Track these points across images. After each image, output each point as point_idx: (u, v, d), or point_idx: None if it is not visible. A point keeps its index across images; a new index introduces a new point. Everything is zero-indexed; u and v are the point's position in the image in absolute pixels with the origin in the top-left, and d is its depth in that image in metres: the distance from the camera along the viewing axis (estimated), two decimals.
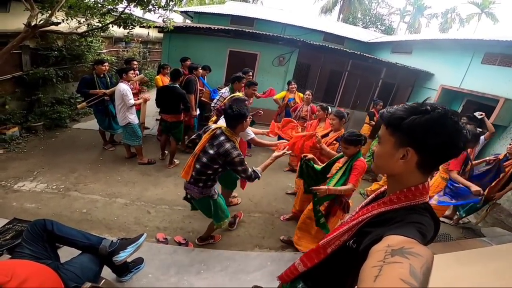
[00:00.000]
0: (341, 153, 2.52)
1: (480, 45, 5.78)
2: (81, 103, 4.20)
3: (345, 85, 7.56)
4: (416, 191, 0.81)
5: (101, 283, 1.57)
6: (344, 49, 7.39)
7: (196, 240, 2.75)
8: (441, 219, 3.96)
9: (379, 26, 24.55)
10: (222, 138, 2.05)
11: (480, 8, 22.44)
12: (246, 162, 2.12)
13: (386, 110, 0.83)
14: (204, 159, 2.09)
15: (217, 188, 2.41)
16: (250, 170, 2.12)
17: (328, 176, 2.59)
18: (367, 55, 7.33)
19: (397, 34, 22.52)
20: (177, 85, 3.97)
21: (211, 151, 2.05)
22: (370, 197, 1.05)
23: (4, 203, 2.97)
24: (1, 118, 4.55)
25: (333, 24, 13.09)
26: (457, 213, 3.94)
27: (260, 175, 2.22)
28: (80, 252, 1.63)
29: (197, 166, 2.14)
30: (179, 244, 2.68)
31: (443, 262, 1.92)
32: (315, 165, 2.68)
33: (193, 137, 2.86)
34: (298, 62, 7.11)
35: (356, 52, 7.25)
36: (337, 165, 2.53)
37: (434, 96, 6.42)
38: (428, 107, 0.74)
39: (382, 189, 1.01)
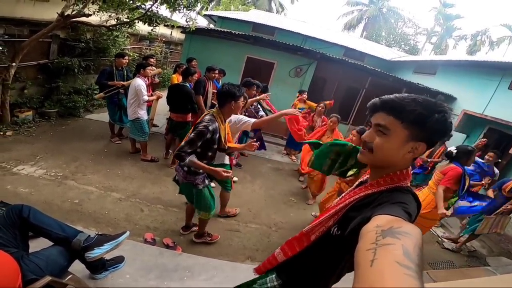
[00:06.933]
0: None
1: (510, 69, 5.44)
2: (99, 93, 4.26)
3: (362, 102, 7.34)
4: (401, 176, 0.85)
5: (67, 279, 1.46)
6: (364, 65, 7.20)
7: (193, 237, 2.74)
8: (445, 245, 3.82)
9: (402, 46, 24.07)
10: (207, 114, 2.15)
11: None
12: (196, 144, 1.98)
13: (396, 99, 0.81)
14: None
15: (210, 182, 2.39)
16: (190, 150, 1.96)
17: None
18: (388, 73, 7.11)
19: (421, 55, 21.97)
20: (187, 84, 3.94)
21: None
22: (356, 182, 1.06)
23: None
24: (18, 101, 4.67)
25: (355, 40, 12.93)
26: (461, 235, 3.83)
27: (187, 162, 1.98)
28: (52, 244, 1.54)
29: None
30: (167, 246, 2.56)
31: None
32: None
33: None
34: (315, 75, 6.95)
35: (376, 69, 7.05)
36: None
37: (454, 122, 6.08)
38: (445, 107, 0.78)
39: (365, 176, 1.02)
